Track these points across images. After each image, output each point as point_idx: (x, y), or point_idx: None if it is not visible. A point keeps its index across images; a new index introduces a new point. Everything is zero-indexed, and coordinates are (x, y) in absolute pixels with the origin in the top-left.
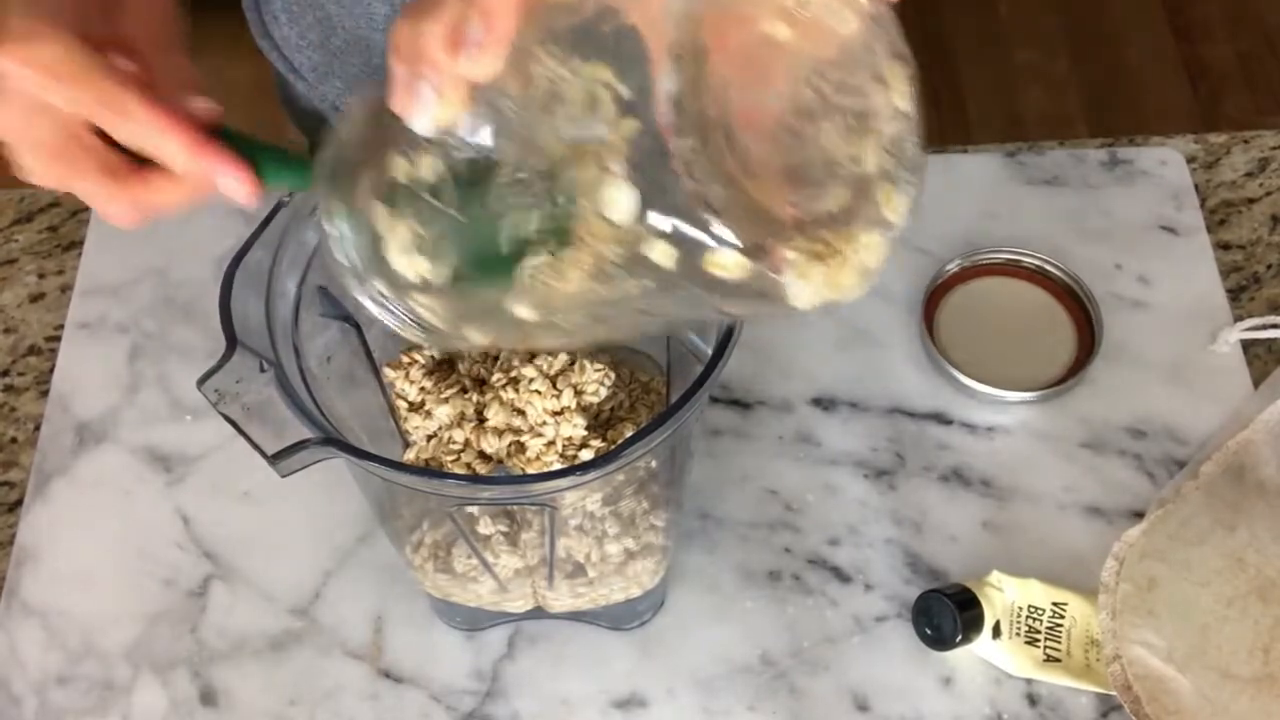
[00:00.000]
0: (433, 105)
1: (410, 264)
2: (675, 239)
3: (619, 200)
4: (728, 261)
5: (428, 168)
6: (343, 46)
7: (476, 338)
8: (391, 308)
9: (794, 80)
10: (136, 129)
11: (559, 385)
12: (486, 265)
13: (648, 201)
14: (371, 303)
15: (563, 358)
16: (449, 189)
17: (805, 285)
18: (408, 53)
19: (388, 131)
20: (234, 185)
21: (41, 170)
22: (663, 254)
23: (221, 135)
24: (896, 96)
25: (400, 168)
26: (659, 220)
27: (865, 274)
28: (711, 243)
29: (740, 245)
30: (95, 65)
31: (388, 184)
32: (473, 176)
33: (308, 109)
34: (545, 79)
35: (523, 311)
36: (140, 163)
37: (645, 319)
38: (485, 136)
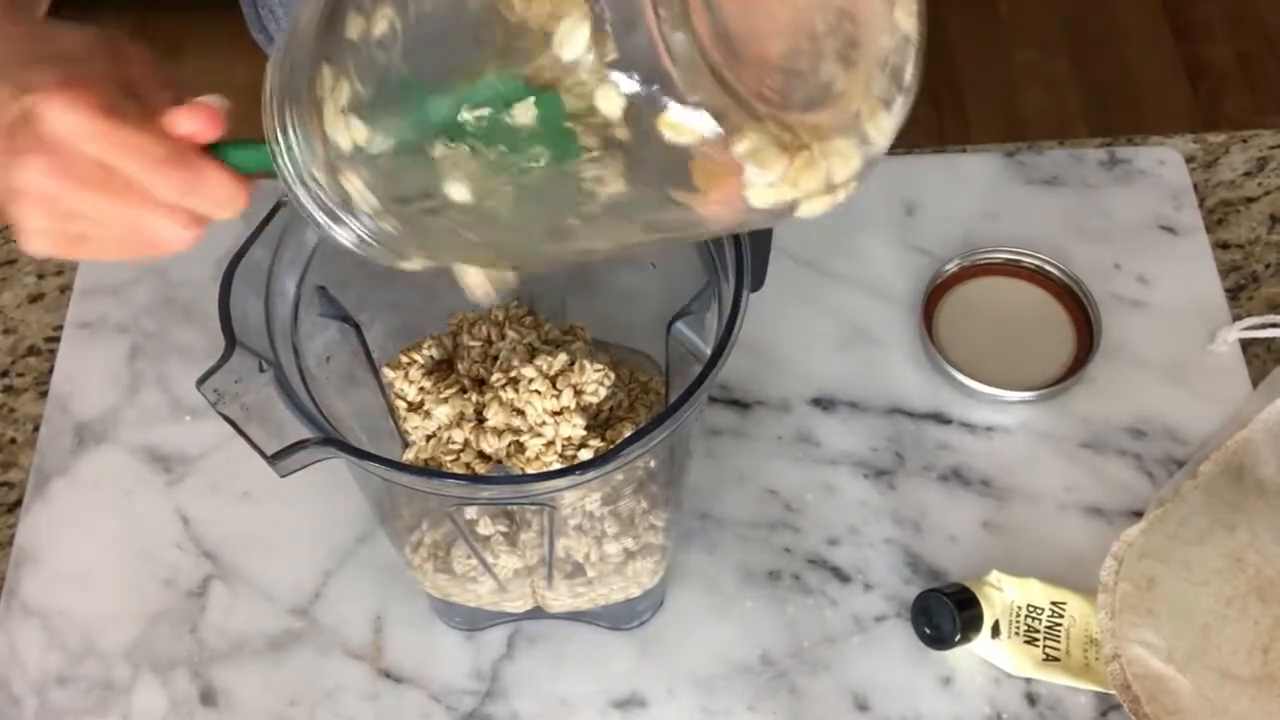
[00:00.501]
0: None
1: (345, 128)
2: (626, 86)
3: (572, 34)
4: (680, 121)
5: (382, 19)
6: None
7: (413, 240)
8: (325, 199)
9: None
10: (182, 180)
11: (559, 385)
12: (422, 123)
13: (604, 40)
14: (306, 194)
15: (562, 358)
16: (400, 37)
17: (763, 174)
18: None
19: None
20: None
21: (56, 224)
22: (611, 101)
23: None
24: (900, 15)
25: (354, 26)
26: (613, 62)
27: (829, 186)
28: (665, 96)
29: (696, 104)
30: (146, 119)
31: (338, 44)
32: (427, 19)
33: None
34: None
35: (457, 191)
36: None
37: (591, 228)
38: None
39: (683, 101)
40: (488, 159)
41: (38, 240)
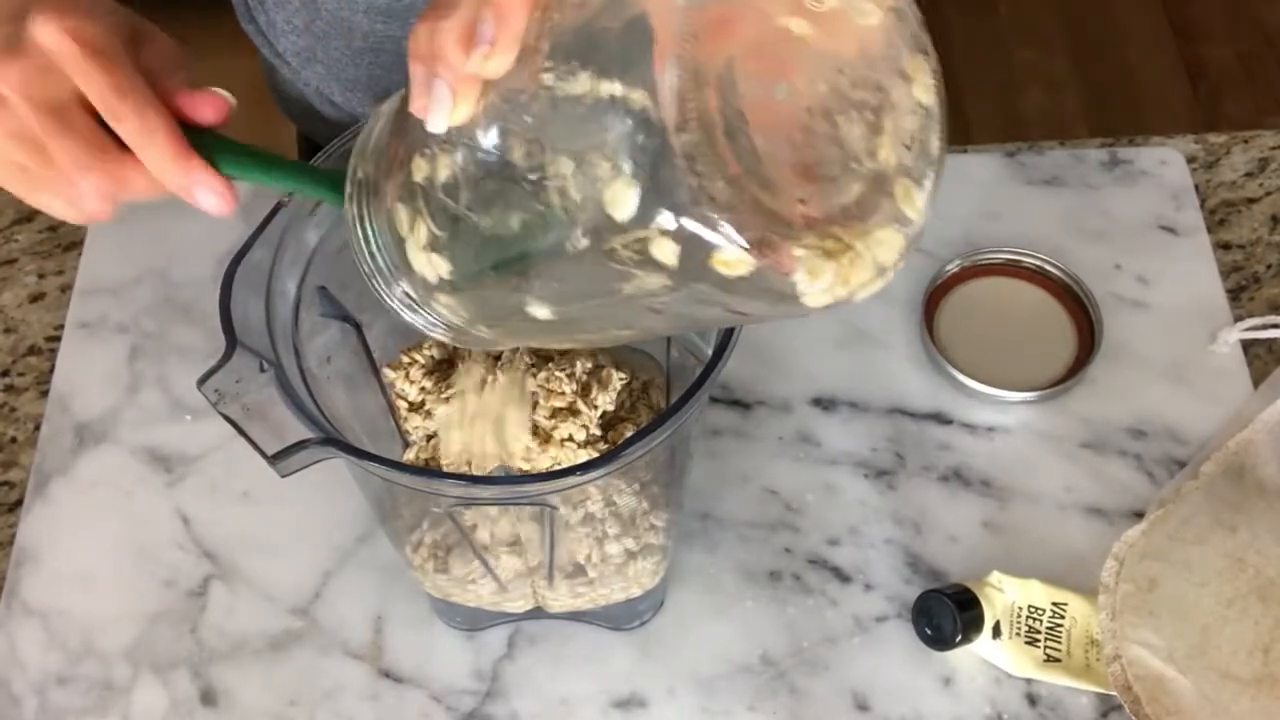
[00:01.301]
0: (446, 104)
1: (429, 263)
2: (678, 236)
3: (620, 198)
4: (731, 258)
5: (445, 168)
6: (326, 30)
7: (500, 338)
8: (418, 310)
9: (810, 75)
10: (132, 123)
11: (589, 393)
12: (500, 265)
13: (650, 198)
14: (400, 305)
15: (588, 364)
16: (463, 189)
17: (815, 283)
18: (424, 52)
19: (410, 135)
20: (205, 195)
21: (15, 125)
22: (667, 251)
23: (210, 141)
24: (919, 90)
25: (420, 169)
26: (661, 217)
27: (880, 270)
28: (715, 240)
29: (744, 243)
30: (124, 58)
31: (408, 185)
32: (485, 176)
33: (292, 94)
34: (552, 78)
35: (540, 311)
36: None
37: (662, 319)
38: (496, 136)
39: (731, 242)
40: (561, 290)
41: None
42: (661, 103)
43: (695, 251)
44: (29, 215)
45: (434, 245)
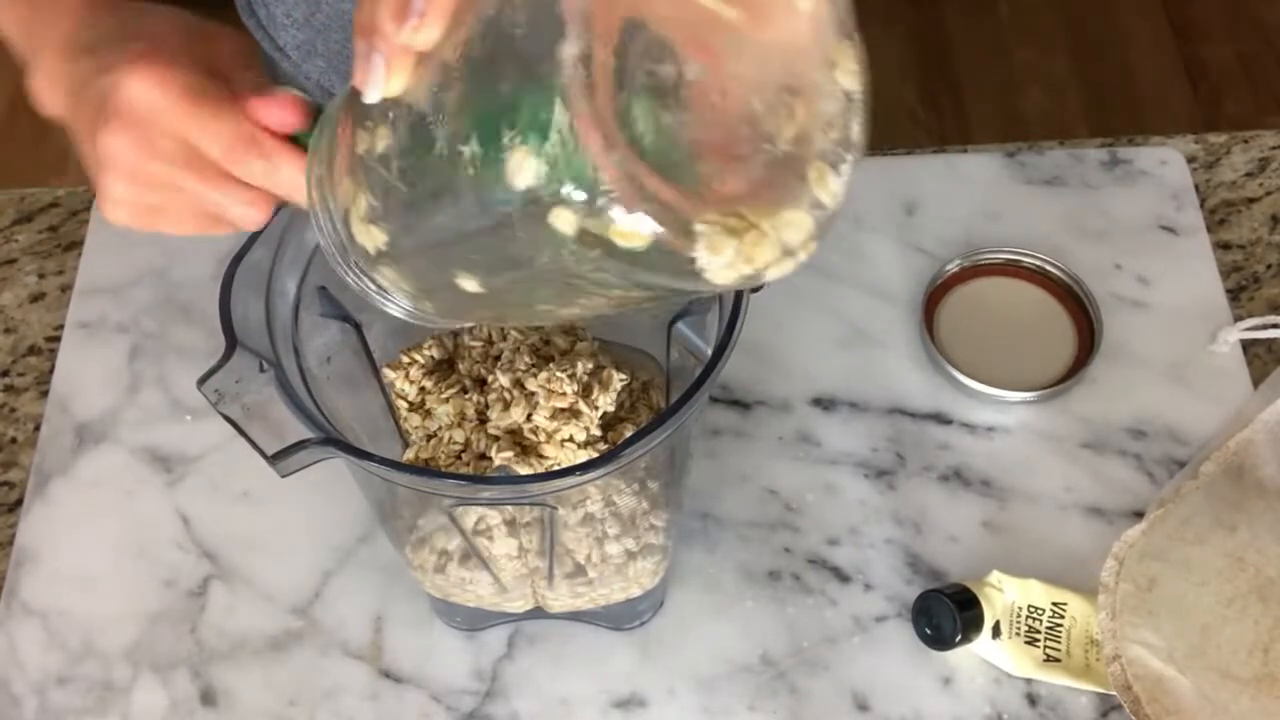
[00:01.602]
0: (380, 75)
1: (369, 235)
2: (575, 206)
3: (521, 167)
4: (627, 230)
5: (381, 139)
6: (326, 23)
7: (443, 313)
8: (368, 284)
9: (729, 56)
10: (258, 167)
11: (590, 394)
12: (426, 235)
13: (548, 168)
14: (354, 280)
15: (589, 365)
16: (394, 159)
17: (716, 258)
18: (364, 26)
19: (356, 109)
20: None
21: (137, 195)
22: (566, 221)
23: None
24: (843, 75)
25: (361, 141)
26: (560, 187)
27: (787, 251)
28: (610, 212)
29: (639, 215)
30: (220, 93)
31: (351, 157)
32: (412, 146)
33: (294, 88)
34: (471, 50)
35: (468, 284)
36: None
37: (586, 296)
38: (424, 105)
39: (626, 214)
40: (484, 261)
41: (117, 209)
42: (562, 73)
43: (592, 223)
44: (29, 215)
45: (372, 216)
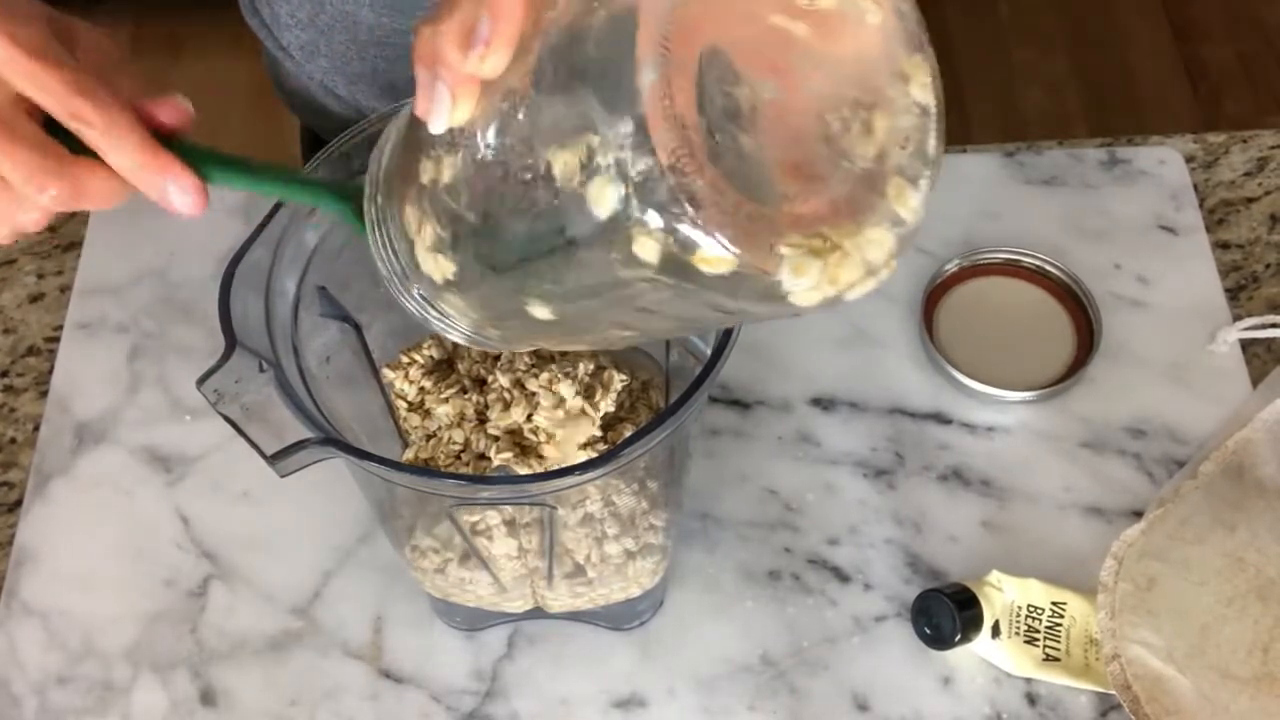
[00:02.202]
0: (446, 105)
1: (436, 265)
2: (658, 234)
3: (602, 195)
4: (712, 256)
5: (448, 169)
6: (330, 24)
7: (508, 338)
8: (430, 311)
9: (803, 74)
10: (97, 123)
11: (593, 395)
12: (499, 266)
13: (631, 196)
14: (416, 308)
15: (591, 366)
16: (463, 190)
17: (801, 280)
18: (426, 54)
19: (418, 138)
20: (178, 195)
21: None
22: (649, 250)
23: (175, 145)
24: (916, 89)
25: (426, 171)
26: (642, 215)
27: (870, 270)
28: (695, 238)
29: (724, 241)
30: (68, 56)
31: (416, 187)
32: (482, 176)
33: (296, 88)
34: (542, 80)
35: (540, 312)
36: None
37: (659, 320)
38: (493, 135)
39: (710, 240)
40: (559, 290)
41: None
42: (642, 101)
43: (677, 250)
44: None
45: (439, 246)
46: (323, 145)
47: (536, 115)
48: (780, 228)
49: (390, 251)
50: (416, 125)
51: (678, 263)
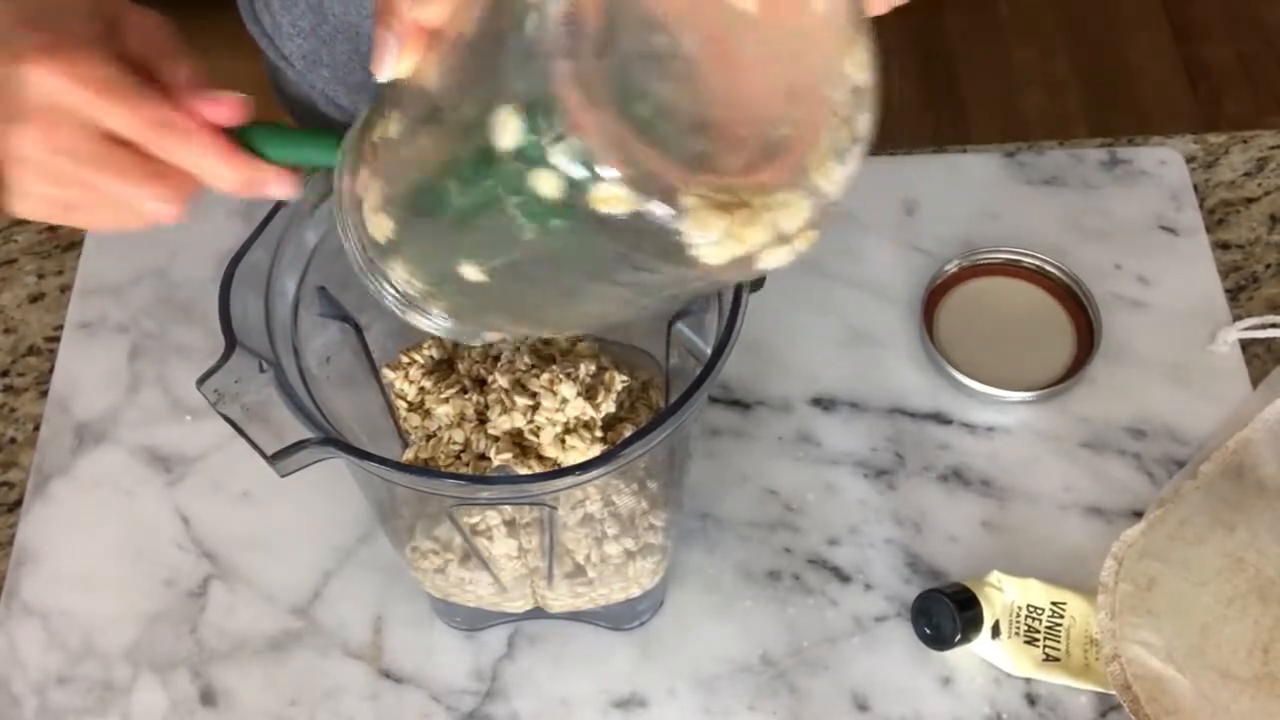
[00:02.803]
0: (393, 53)
1: (378, 224)
2: (555, 167)
3: (505, 125)
4: (607, 194)
5: (394, 123)
6: (332, 34)
7: (455, 314)
8: (390, 291)
9: (738, 37)
10: (181, 150)
11: (595, 396)
12: (431, 216)
13: (532, 127)
14: (375, 289)
15: (592, 367)
16: (404, 140)
17: (705, 235)
18: (380, 9)
19: (377, 103)
20: (278, 189)
21: (49, 191)
22: (548, 184)
23: (244, 132)
24: (852, 67)
25: (377, 128)
26: (543, 148)
27: (779, 235)
28: (588, 173)
29: (616, 175)
30: (142, 86)
31: (369, 145)
32: (419, 124)
33: (298, 96)
34: (479, 26)
35: (470, 272)
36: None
37: (590, 296)
38: (433, 82)
39: (605, 176)
40: (479, 241)
41: (26, 203)
42: (546, 34)
43: (573, 186)
44: None
45: (383, 203)
46: None
47: (464, 59)
48: (686, 178)
49: (354, 224)
50: (378, 91)
51: (576, 202)
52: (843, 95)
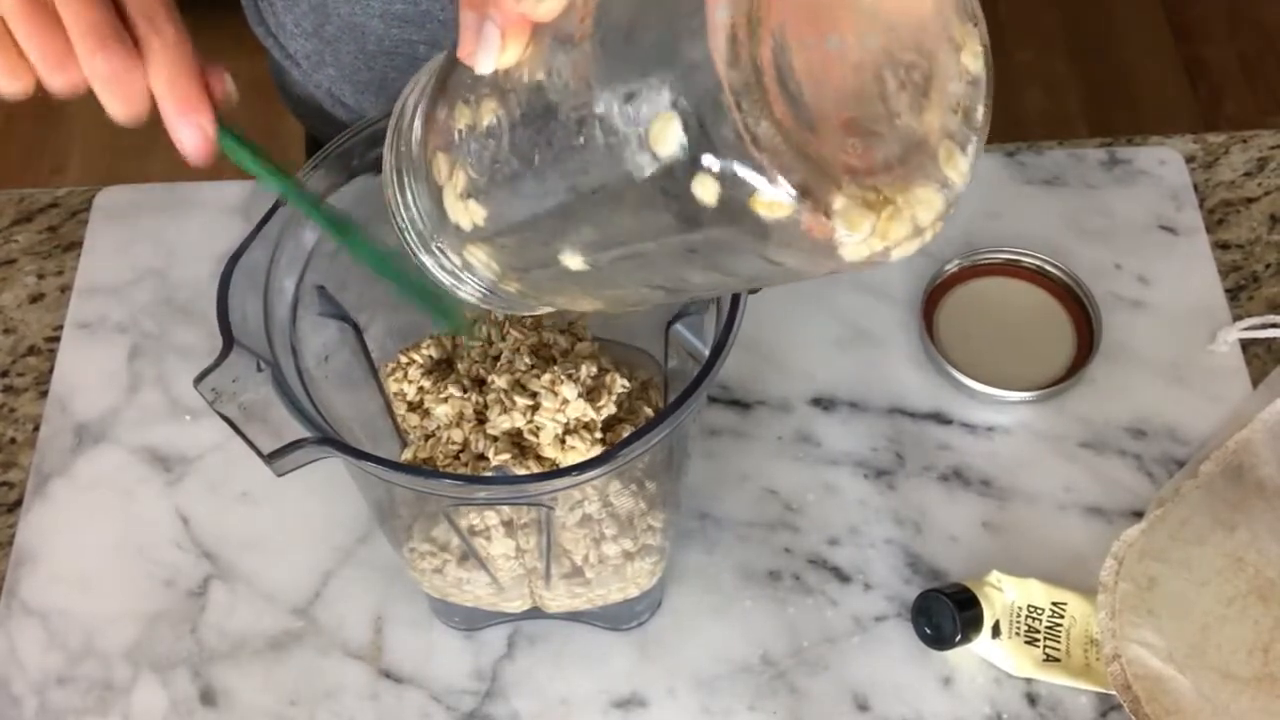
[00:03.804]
0: (495, 45)
1: (465, 211)
2: (719, 174)
3: (665, 133)
4: (770, 200)
5: (488, 112)
6: (336, 34)
7: (528, 292)
8: (450, 266)
9: (861, 31)
10: (168, 33)
11: (596, 398)
12: (538, 208)
13: (694, 135)
14: (433, 262)
15: (594, 369)
16: (505, 132)
17: (854, 234)
18: None
19: (455, 84)
20: (189, 132)
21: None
22: (708, 190)
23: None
24: (967, 57)
25: (463, 115)
26: (705, 154)
27: (917, 230)
28: (756, 180)
29: (786, 184)
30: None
31: (450, 132)
32: (529, 117)
33: (302, 95)
34: (604, 18)
35: (573, 261)
36: None
37: (697, 273)
38: (542, 75)
39: (772, 183)
40: (598, 236)
41: None
42: (712, 39)
43: (736, 191)
44: (28, 215)
45: (471, 191)
46: None
47: (595, 53)
48: (838, 178)
49: (412, 199)
50: (454, 69)
51: (735, 206)
52: (961, 87)
